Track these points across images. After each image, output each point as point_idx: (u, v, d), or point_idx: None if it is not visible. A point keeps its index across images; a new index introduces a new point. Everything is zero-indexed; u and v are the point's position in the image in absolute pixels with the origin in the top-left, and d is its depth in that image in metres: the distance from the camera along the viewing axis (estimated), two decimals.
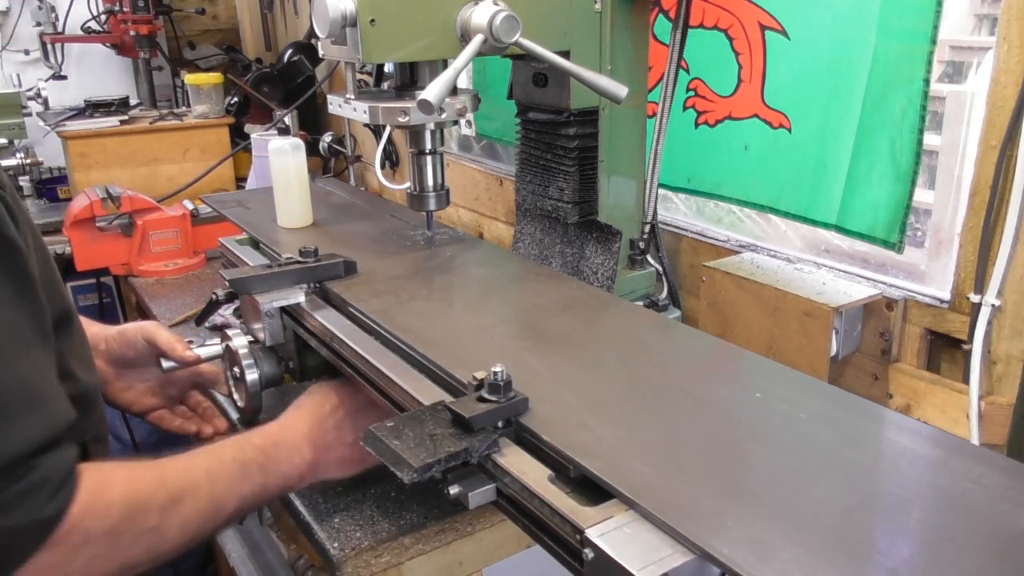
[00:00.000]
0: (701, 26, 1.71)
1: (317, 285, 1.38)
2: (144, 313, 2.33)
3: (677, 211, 1.93)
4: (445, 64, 1.36)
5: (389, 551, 1.19)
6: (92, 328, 1.32)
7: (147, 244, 2.47)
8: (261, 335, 1.35)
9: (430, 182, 1.52)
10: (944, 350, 1.42)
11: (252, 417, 1.43)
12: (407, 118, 1.34)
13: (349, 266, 1.40)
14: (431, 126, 1.47)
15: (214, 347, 1.45)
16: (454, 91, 1.37)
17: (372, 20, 1.25)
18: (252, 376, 1.38)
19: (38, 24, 3.56)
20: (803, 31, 1.54)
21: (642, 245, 1.67)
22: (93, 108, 3.07)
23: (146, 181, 2.93)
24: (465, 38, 1.30)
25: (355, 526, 1.22)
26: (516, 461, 0.87)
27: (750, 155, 1.68)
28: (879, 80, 1.42)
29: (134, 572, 0.94)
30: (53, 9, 3.55)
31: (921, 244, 1.46)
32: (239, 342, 1.39)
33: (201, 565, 2.40)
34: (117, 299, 3.16)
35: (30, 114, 3.21)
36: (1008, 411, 1.27)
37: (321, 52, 1.39)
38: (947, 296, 1.37)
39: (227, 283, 1.37)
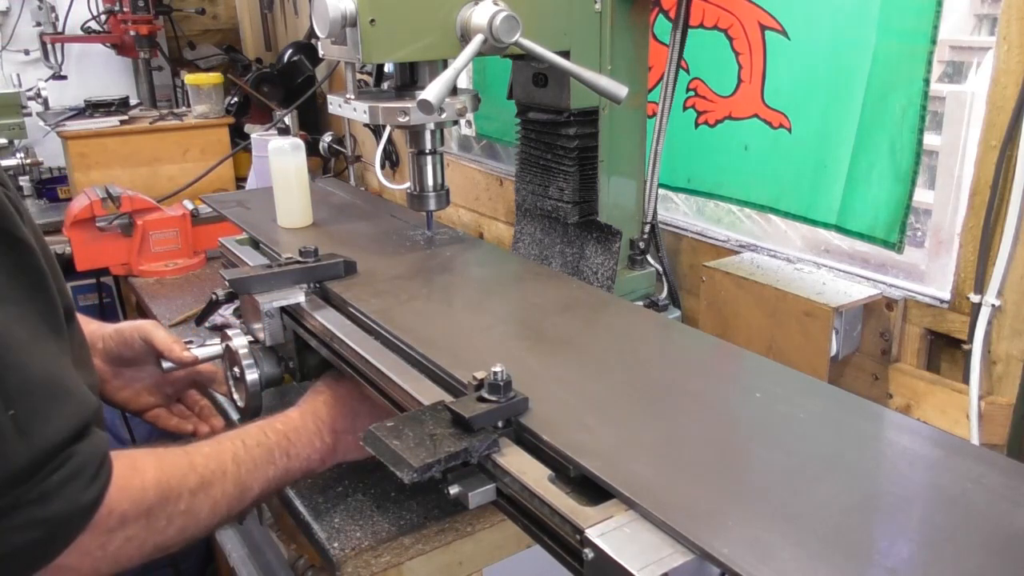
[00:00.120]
0: (701, 26, 1.71)
1: (317, 285, 1.38)
2: (144, 313, 2.33)
3: (677, 211, 1.93)
4: (445, 64, 1.36)
5: (389, 551, 1.19)
6: (89, 326, 1.32)
7: (147, 244, 2.47)
8: (261, 335, 1.35)
9: (430, 182, 1.52)
10: (944, 350, 1.42)
11: (252, 417, 1.42)
12: (407, 118, 1.34)
13: (349, 266, 1.40)
14: (431, 126, 1.47)
15: (212, 347, 1.45)
16: (454, 91, 1.37)
17: (372, 20, 1.25)
18: (252, 376, 1.38)
19: (38, 24, 3.56)
20: (803, 31, 1.54)
21: (642, 245, 1.67)
22: (93, 108, 3.07)
23: (146, 181, 2.93)
24: (465, 38, 1.30)
25: (355, 526, 1.22)
26: (516, 461, 0.87)
27: (750, 155, 1.68)
28: (879, 80, 1.42)
29: (167, 552, 0.97)
30: (53, 9, 3.55)
31: (921, 244, 1.47)
32: (239, 342, 1.39)
33: (201, 565, 2.39)
34: (117, 299, 3.16)
35: (30, 114, 3.21)
36: (1008, 411, 1.27)
37: (321, 52, 1.39)
38: (947, 296, 1.37)
39: (227, 283, 1.37)
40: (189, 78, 3.15)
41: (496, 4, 1.28)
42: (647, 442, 0.89)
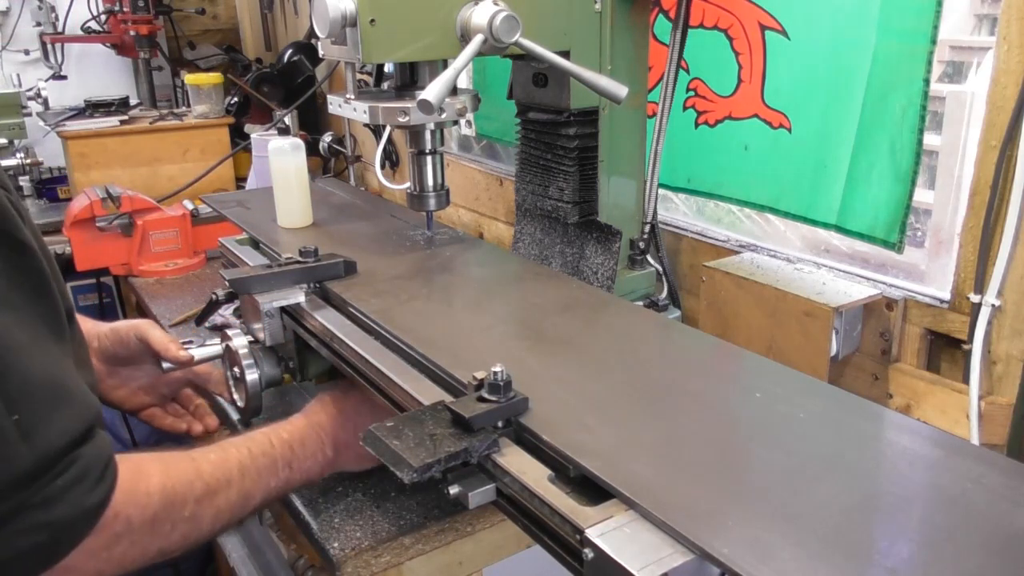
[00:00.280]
0: (701, 26, 1.71)
1: (317, 285, 1.38)
2: (144, 313, 2.33)
3: (677, 211, 1.93)
4: (445, 64, 1.36)
5: (389, 551, 1.19)
6: (85, 325, 1.32)
7: (147, 244, 2.47)
8: (261, 335, 1.35)
9: (430, 182, 1.52)
10: (944, 350, 1.42)
11: (252, 417, 1.43)
12: (407, 118, 1.34)
13: (349, 266, 1.40)
14: (431, 126, 1.47)
15: (209, 347, 1.45)
16: (454, 91, 1.37)
17: (372, 20, 1.25)
18: (252, 376, 1.38)
19: (38, 24, 3.56)
20: (803, 31, 1.54)
21: (642, 245, 1.67)
22: (93, 108, 3.06)
23: (146, 181, 2.93)
24: (465, 38, 1.30)
25: (355, 526, 1.22)
26: (516, 461, 0.87)
27: (750, 155, 1.68)
28: (879, 80, 1.42)
29: (169, 557, 0.98)
30: (53, 9, 3.55)
31: (921, 244, 1.46)
32: (239, 342, 1.39)
33: (201, 565, 2.39)
34: (117, 299, 3.16)
35: (30, 114, 3.21)
36: (1008, 411, 1.27)
37: (321, 52, 1.39)
38: (947, 296, 1.37)
39: (227, 283, 1.37)
40: (189, 78, 3.15)
41: (496, 4, 1.28)
42: (647, 442, 0.89)
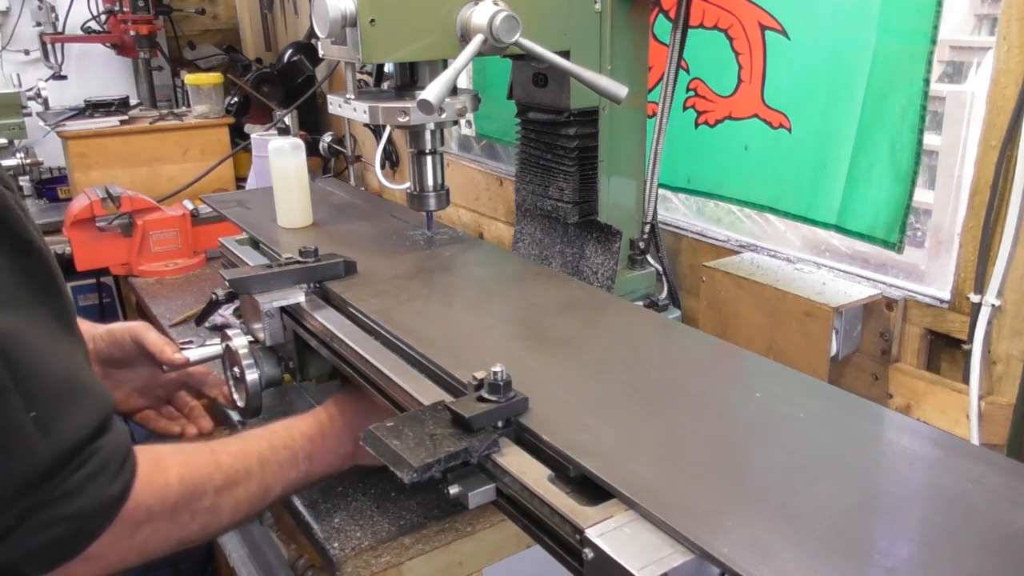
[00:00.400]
0: (701, 26, 1.71)
1: (317, 285, 1.38)
2: (144, 313, 2.33)
3: (677, 211, 1.93)
4: (445, 64, 1.36)
5: (389, 551, 1.19)
6: (81, 327, 1.32)
7: (147, 244, 2.47)
8: (261, 335, 1.35)
9: (430, 182, 1.52)
10: (944, 350, 1.42)
11: (252, 417, 1.43)
12: (407, 118, 1.34)
13: (349, 266, 1.40)
14: (431, 126, 1.47)
15: (205, 349, 1.45)
16: (454, 91, 1.37)
17: (372, 20, 1.25)
18: (252, 376, 1.38)
19: (38, 24, 3.56)
20: (803, 31, 1.54)
21: (642, 245, 1.67)
22: (93, 108, 3.07)
23: (146, 181, 2.93)
24: (465, 38, 1.30)
25: (355, 526, 1.22)
26: (516, 461, 0.87)
27: (750, 155, 1.68)
28: (879, 80, 1.42)
29: (189, 547, 1.00)
30: (53, 9, 3.55)
31: (921, 244, 1.46)
32: (239, 342, 1.39)
33: (201, 565, 2.39)
34: (117, 299, 3.16)
35: (30, 114, 3.21)
36: (1008, 411, 1.27)
37: (321, 52, 1.39)
38: (947, 296, 1.37)
39: (227, 283, 1.37)
40: (189, 78, 3.15)
41: (496, 4, 1.28)
42: (647, 442, 0.89)
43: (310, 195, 1.77)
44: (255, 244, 1.75)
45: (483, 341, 1.16)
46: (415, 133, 1.49)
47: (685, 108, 1.79)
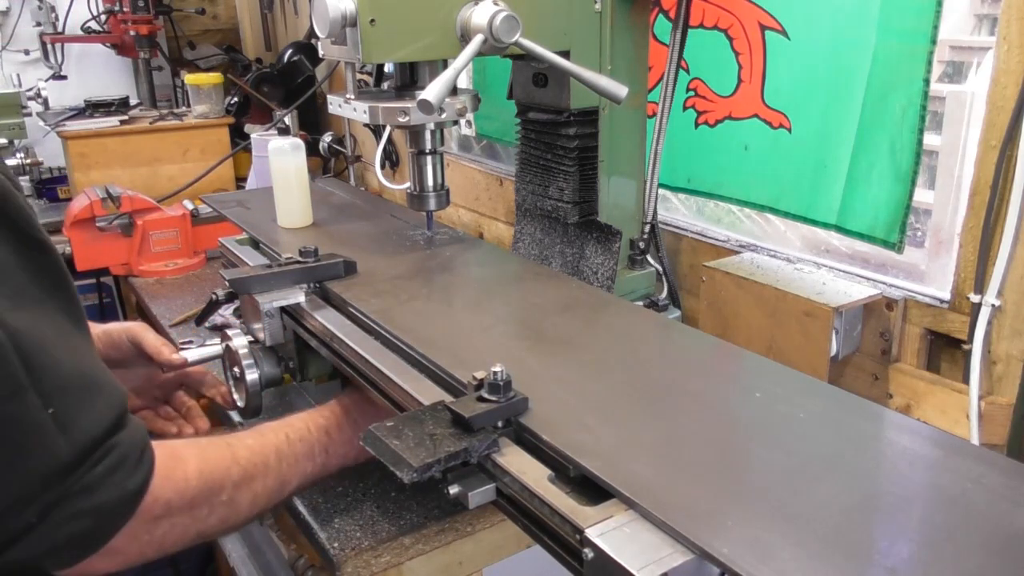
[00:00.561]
0: (701, 26, 1.71)
1: (317, 285, 1.38)
2: (144, 313, 2.33)
3: (677, 211, 1.93)
4: (445, 64, 1.36)
5: (389, 551, 1.19)
6: None
7: (147, 244, 2.47)
8: (261, 335, 1.35)
9: (430, 182, 1.52)
10: (944, 350, 1.42)
11: (252, 417, 1.43)
12: (407, 118, 1.34)
13: (349, 266, 1.40)
14: (431, 126, 1.47)
15: (204, 349, 1.45)
16: (454, 91, 1.37)
17: (372, 20, 1.25)
18: (252, 376, 1.38)
19: (38, 24, 3.56)
20: (803, 31, 1.54)
21: (642, 245, 1.67)
22: (93, 108, 3.06)
23: (146, 181, 2.93)
24: (465, 38, 1.30)
25: (355, 526, 1.22)
26: (516, 461, 0.87)
27: (750, 155, 1.68)
28: (879, 80, 1.42)
29: (207, 540, 1.01)
30: (53, 9, 3.55)
31: (921, 244, 1.46)
32: (239, 342, 1.39)
33: (201, 565, 2.40)
34: (117, 299, 3.16)
35: (30, 114, 3.20)
36: (1008, 411, 1.27)
37: (321, 52, 1.39)
38: (947, 296, 1.37)
39: (227, 283, 1.37)
40: (189, 78, 3.15)
41: (496, 4, 1.28)
42: (647, 442, 0.89)
43: (310, 195, 1.77)
44: (255, 244, 1.75)
45: (483, 341, 1.16)
46: (415, 133, 1.49)
47: (685, 108, 1.79)
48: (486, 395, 0.92)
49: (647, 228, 1.68)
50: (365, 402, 1.22)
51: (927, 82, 1.35)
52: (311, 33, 2.79)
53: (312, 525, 1.23)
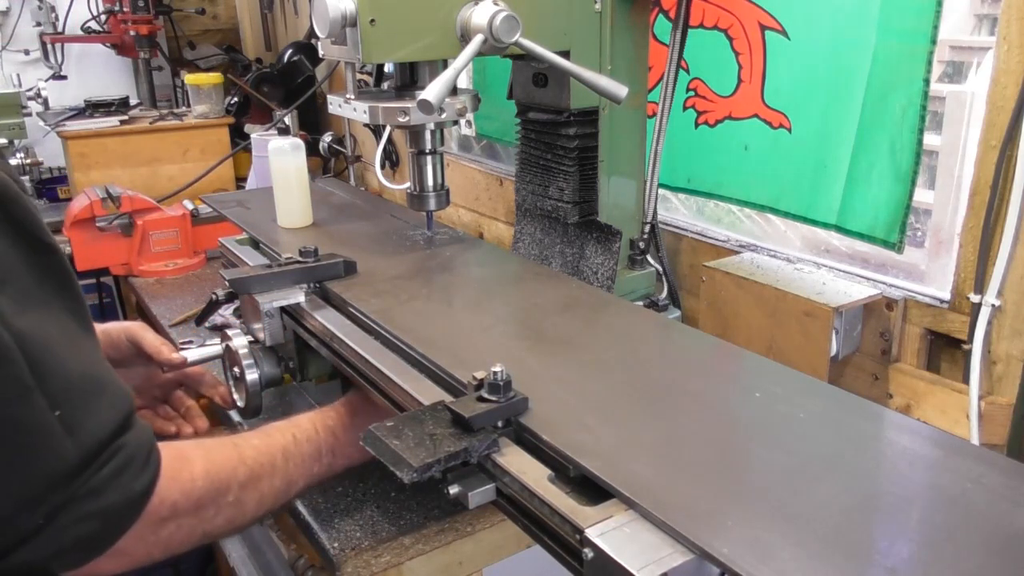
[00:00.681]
0: (701, 26, 1.71)
1: (317, 285, 1.38)
2: (144, 313, 2.33)
3: (677, 211, 1.93)
4: (445, 64, 1.36)
5: (389, 551, 1.19)
6: None
7: (147, 244, 2.47)
8: (261, 335, 1.35)
9: (430, 182, 1.52)
10: (944, 350, 1.42)
11: (252, 417, 1.43)
12: (407, 118, 1.34)
13: (349, 266, 1.40)
14: (431, 126, 1.47)
15: (203, 349, 1.45)
16: (454, 91, 1.37)
17: (372, 20, 1.25)
18: (252, 376, 1.38)
19: (38, 24, 3.56)
20: (803, 31, 1.54)
21: (642, 245, 1.67)
22: (93, 108, 3.07)
23: (146, 181, 2.93)
24: (465, 38, 1.30)
25: (355, 526, 1.22)
26: (516, 461, 0.87)
27: (750, 155, 1.68)
28: (879, 80, 1.42)
29: (214, 540, 1.01)
30: (53, 9, 3.55)
31: (921, 244, 1.46)
32: (239, 342, 1.39)
33: (201, 565, 2.39)
34: (117, 299, 3.16)
35: (30, 114, 3.20)
36: (1008, 411, 1.27)
37: (321, 52, 1.39)
38: (947, 296, 1.37)
39: (227, 283, 1.37)
40: (189, 78, 3.15)
41: (496, 4, 1.28)
42: (647, 442, 0.89)
43: (310, 195, 1.77)
44: (255, 244, 1.75)
45: (483, 341, 1.16)
46: (415, 133, 1.49)
47: (685, 108, 1.79)
48: (486, 395, 0.92)
49: (647, 228, 1.68)
50: (372, 403, 1.22)
51: (927, 82, 1.35)
52: (311, 33, 2.79)
53: (312, 525, 1.23)
